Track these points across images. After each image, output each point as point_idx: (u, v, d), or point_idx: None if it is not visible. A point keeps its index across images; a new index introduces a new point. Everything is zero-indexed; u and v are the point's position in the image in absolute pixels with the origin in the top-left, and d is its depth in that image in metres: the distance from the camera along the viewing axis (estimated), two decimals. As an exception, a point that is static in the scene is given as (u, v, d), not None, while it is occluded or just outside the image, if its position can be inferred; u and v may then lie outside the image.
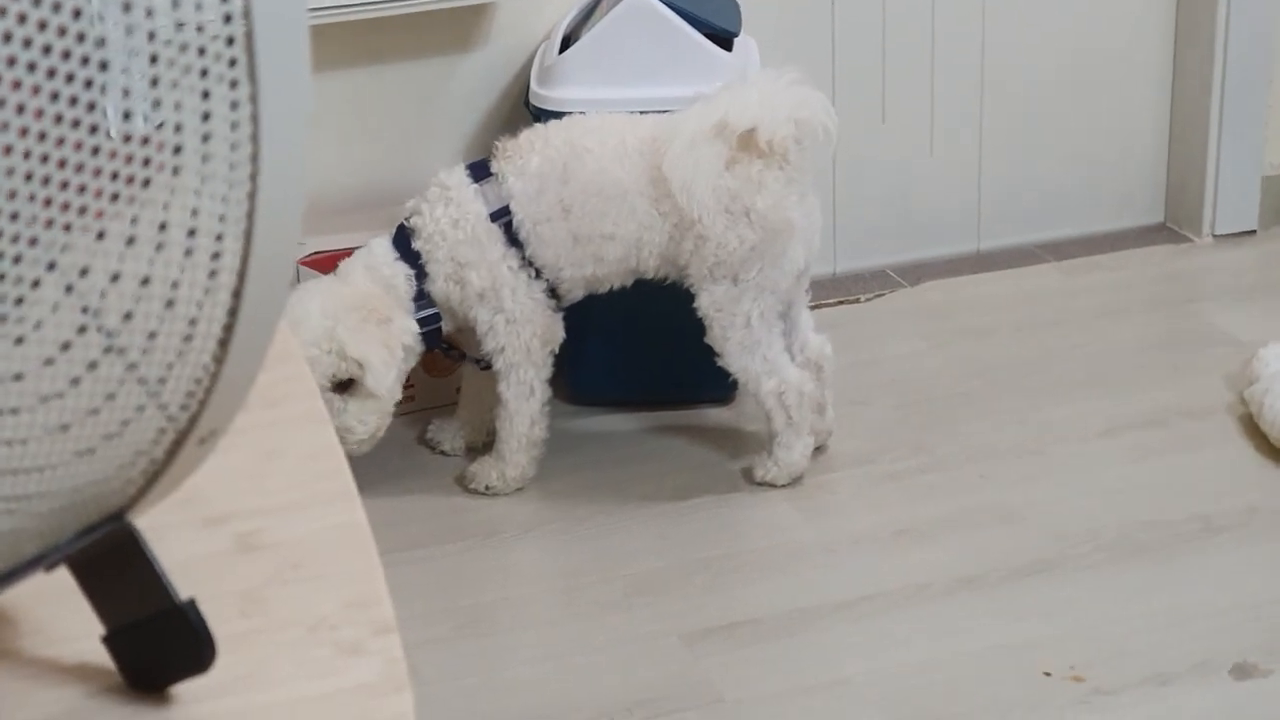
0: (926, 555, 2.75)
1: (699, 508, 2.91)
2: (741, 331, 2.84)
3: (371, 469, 2.95)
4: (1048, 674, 2.47)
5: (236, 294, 0.75)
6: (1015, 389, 3.23)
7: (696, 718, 2.42)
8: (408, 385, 3.10)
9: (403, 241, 2.87)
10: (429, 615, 2.65)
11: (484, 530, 2.88)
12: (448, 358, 3.04)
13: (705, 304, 2.85)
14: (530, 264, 2.86)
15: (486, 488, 2.96)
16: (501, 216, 2.84)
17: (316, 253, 2.99)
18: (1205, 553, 2.72)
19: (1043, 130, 3.72)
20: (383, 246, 2.87)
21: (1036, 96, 3.69)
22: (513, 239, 2.85)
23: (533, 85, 3.08)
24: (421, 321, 2.85)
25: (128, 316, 0.73)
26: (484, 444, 3.05)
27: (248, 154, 0.73)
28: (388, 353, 2.78)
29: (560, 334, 2.93)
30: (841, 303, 3.52)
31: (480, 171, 2.87)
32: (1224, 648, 2.49)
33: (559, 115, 2.96)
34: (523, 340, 2.88)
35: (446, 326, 2.90)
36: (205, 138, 0.72)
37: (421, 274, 2.85)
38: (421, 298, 2.86)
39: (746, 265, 2.80)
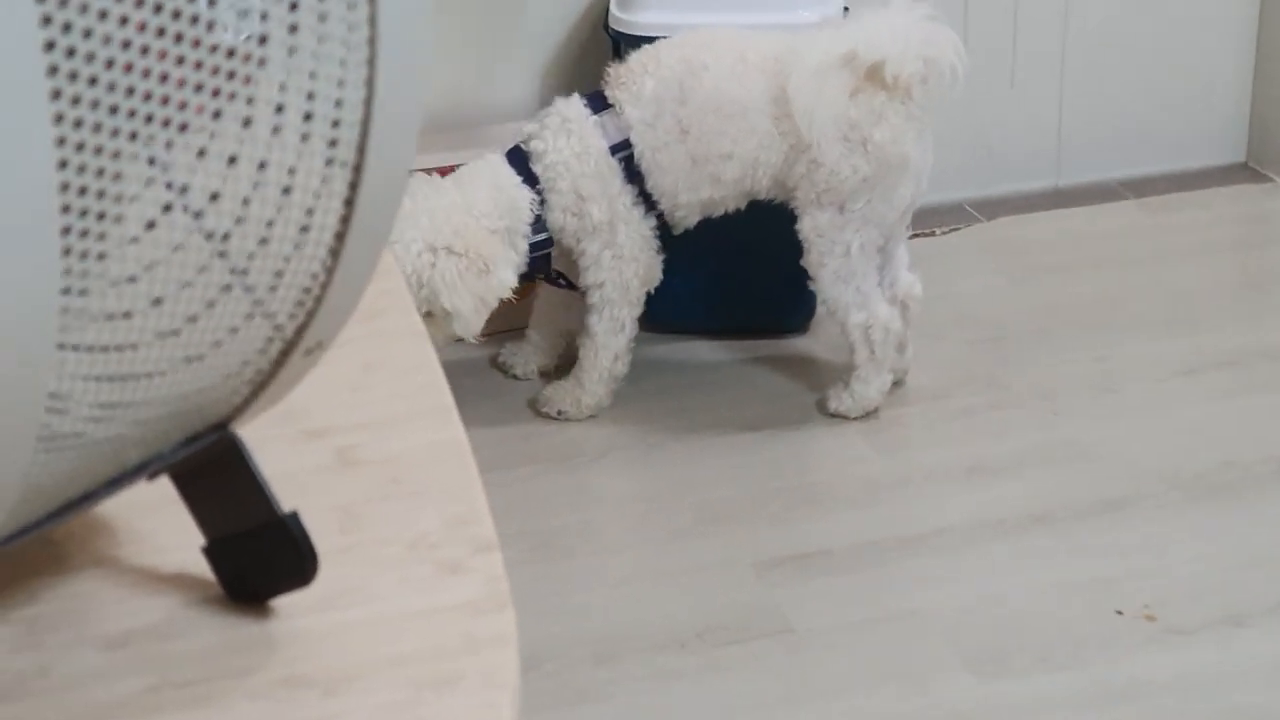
0: (999, 491, 2.74)
1: (772, 437, 2.90)
2: (839, 260, 2.83)
3: (444, 391, 2.94)
4: (1120, 612, 2.45)
5: (353, 185, 0.73)
6: (1091, 327, 3.20)
7: (765, 646, 2.42)
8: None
9: (520, 163, 2.84)
10: (502, 538, 2.62)
11: (557, 455, 2.88)
12: (555, 286, 3.01)
13: (807, 228, 2.83)
14: (646, 197, 2.84)
15: (560, 413, 2.96)
16: (621, 149, 2.82)
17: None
18: (1281, 494, 2.70)
19: (1125, 65, 3.67)
20: (505, 166, 2.83)
21: (1119, 31, 3.64)
22: (631, 173, 2.83)
23: (613, 9, 3.05)
24: (535, 246, 2.83)
25: (239, 220, 0.72)
26: (556, 368, 3.04)
27: (365, 36, 0.72)
28: (482, 304, 2.75)
29: (659, 275, 2.92)
30: (917, 235, 3.49)
31: (597, 103, 2.84)
32: (1299, 590, 2.48)
33: (639, 40, 2.94)
34: (624, 278, 2.87)
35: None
36: (321, 17, 0.70)
37: (540, 200, 2.83)
38: (538, 222, 2.84)
39: (855, 195, 2.78)
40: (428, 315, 2.75)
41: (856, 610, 2.49)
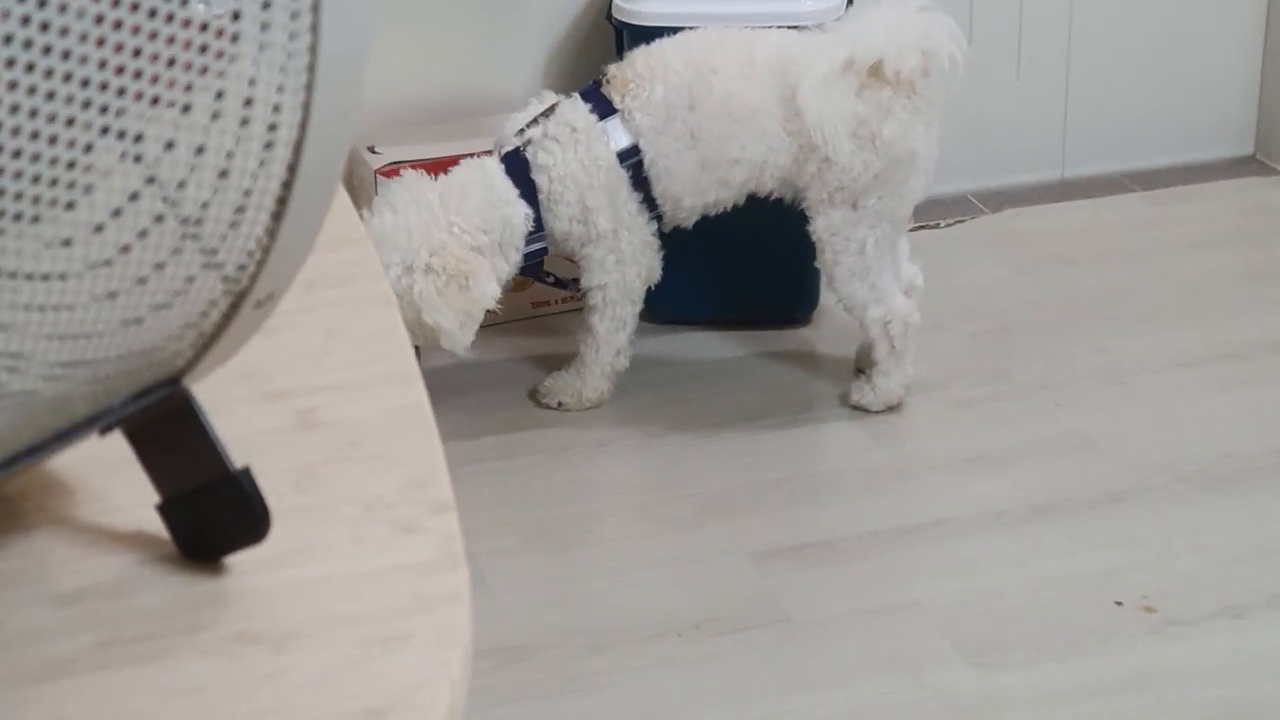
0: (1000, 482, 2.73)
1: (772, 428, 2.89)
2: (854, 258, 2.82)
3: (444, 382, 2.94)
4: (1119, 604, 2.44)
5: (292, 167, 0.73)
6: (1095, 319, 3.19)
7: (764, 636, 2.41)
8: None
9: (519, 170, 2.80)
10: (498, 528, 2.65)
11: (556, 445, 2.87)
12: (544, 284, 3.00)
13: (820, 227, 2.82)
14: (650, 202, 2.83)
15: (560, 404, 2.95)
16: (629, 156, 2.80)
17: (393, 163, 2.98)
18: (1284, 487, 2.69)
19: (1132, 56, 3.66)
20: (502, 176, 2.79)
21: (1125, 21, 3.63)
22: (638, 179, 2.81)
23: (616, -1, 3.05)
24: (528, 256, 2.82)
25: (181, 185, 0.72)
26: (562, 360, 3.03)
27: (308, 24, 0.72)
28: (467, 318, 2.73)
29: (659, 273, 2.91)
30: (922, 227, 3.48)
31: (602, 106, 2.80)
32: (1300, 582, 2.46)
33: (642, 30, 2.93)
34: (627, 279, 2.86)
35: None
36: (265, 4, 0.71)
37: (539, 211, 2.80)
38: (535, 231, 2.82)
39: (868, 192, 2.77)
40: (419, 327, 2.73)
41: (855, 600, 2.48)
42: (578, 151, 2.78)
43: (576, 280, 2.92)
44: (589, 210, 2.80)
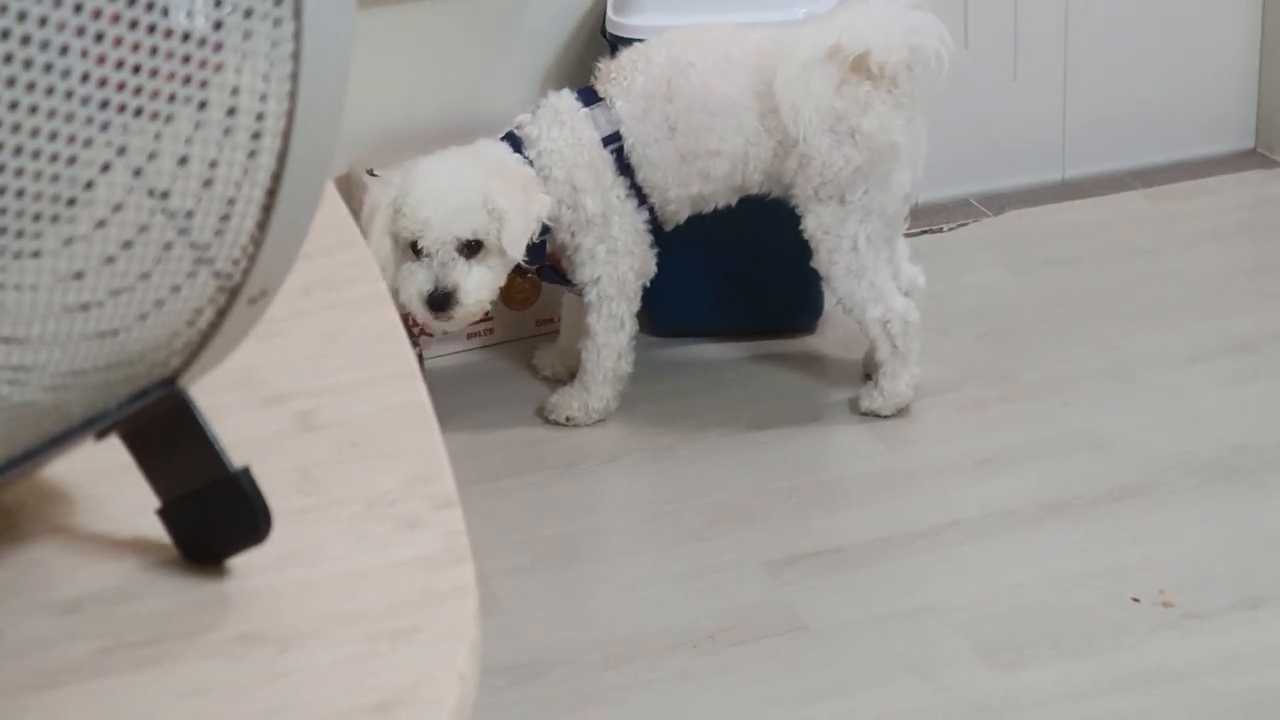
0: (1011, 483, 2.72)
1: (781, 436, 2.88)
2: (848, 255, 2.82)
3: (451, 400, 2.93)
4: (1136, 600, 2.43)
5: (277, 172, 0.73)
6: (1101, 317, 3.18)
7: (780, 645, 2.40)
8: (486, 318, 3.09)
9: (515, 147, 2.85)
10: (510, 545, 2.64)
11: (565, 460, 2.86)
12: (550, 281, 3.00)
13: (812, 226, 2.83)
14: (638, 190, 2.85)
15: (567, 419, 2.94)
16: (612, 142, 2.83)
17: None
18: (1296, 478, 2.68)
19: (1129, 54, 3.65)
20: (509, 150, 2.83)
21: (1123, 18, 3.62)
22: (623, 166, 2.84)
23: (609, 13, 3.05)
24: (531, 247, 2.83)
25: (166, 194, 0.72)
26: (570, 375, 3.02)
27: (290, 32, 0.72)
28: (528, 217, 2.75)
29: (653, 268, 2.92)
30: (924, 232, 3.48)
31: (587, 96, 2.85)
32: (1315, 572, 2.45)
33: (636, 42, 2.93)
34: (620, 272, 2.86)
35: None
36: (247, 14, 0.70)
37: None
38: None
39: (852, 186, 2.78)
40: (468, 256, 2.74)
41: (870, 606, 2.47)
42: (563, 131, 2.82)
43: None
44: (577, 191, 2.82)
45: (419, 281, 2.73)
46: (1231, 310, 3.17)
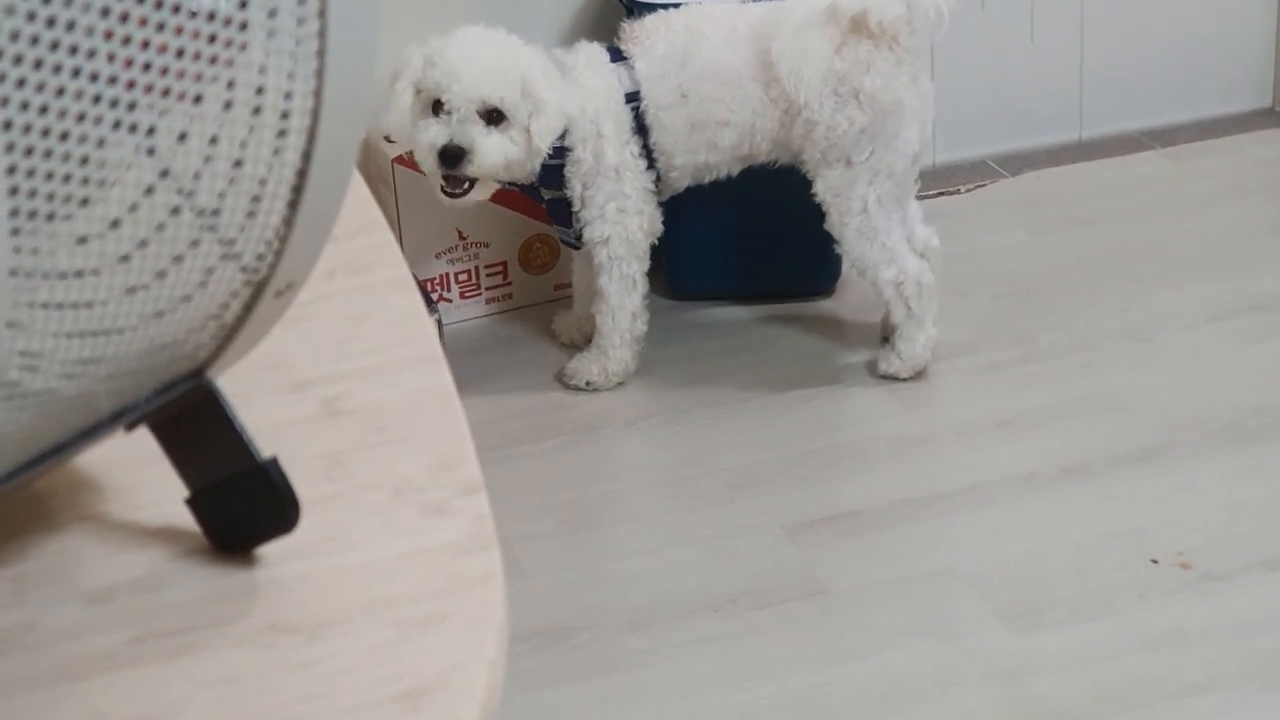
0: (1030, 444, 2.72)
1: (801, 399, 2.89)
2: (859, 217, 2.82)
3: (471, 366, 2.94)
4: (1155, 561, 2.44)
5: (306, 154, 0.73)
6: (1119, 277, 3.18)
7: (801, 608, 2.41)
8: (505, 282, 3.10)
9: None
10: (531, 511, 2.65)
11: (585, 425, 2.87)
12: (551, 217, 2.99)
13: (822, 189, 2.83)
14: (648, 153, 2.85)
15: (587, 383, 2.95)
16: (631, 100, 2.85)
17: (410, 151, 2.97)
18: (1316, 438, 2.68)
19: (1146, 14, 3.64)
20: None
21: (1139, -21, 3.61)
22: (639, 125, 2.85)
23: (625, -24, 3.04)
24: (555, 153, 2.82)
25: (196, 176, 0.72)
26: (587, 341, 3.03)
27: (315, 9, 0.72)
28: (563, 112, 2.76)
29: (660, 226, 2.92)
30: (942, 194, 3.47)
31: (614, 54, 2.87)
32: (1335, 532, 2.46)
33: (653, 9, 2.93)
34: (629, 230, 2.86)
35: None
36: None
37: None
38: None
39: (859, 147, 2.78)
40: (489, 124, 2.74)
41: (890, 569, 2.48)
42: (597, 76, 2.84)
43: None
44: (601, 137, 2.83)
45: (434, 134, 2.74)
46: (1251, 269, 3.16)
